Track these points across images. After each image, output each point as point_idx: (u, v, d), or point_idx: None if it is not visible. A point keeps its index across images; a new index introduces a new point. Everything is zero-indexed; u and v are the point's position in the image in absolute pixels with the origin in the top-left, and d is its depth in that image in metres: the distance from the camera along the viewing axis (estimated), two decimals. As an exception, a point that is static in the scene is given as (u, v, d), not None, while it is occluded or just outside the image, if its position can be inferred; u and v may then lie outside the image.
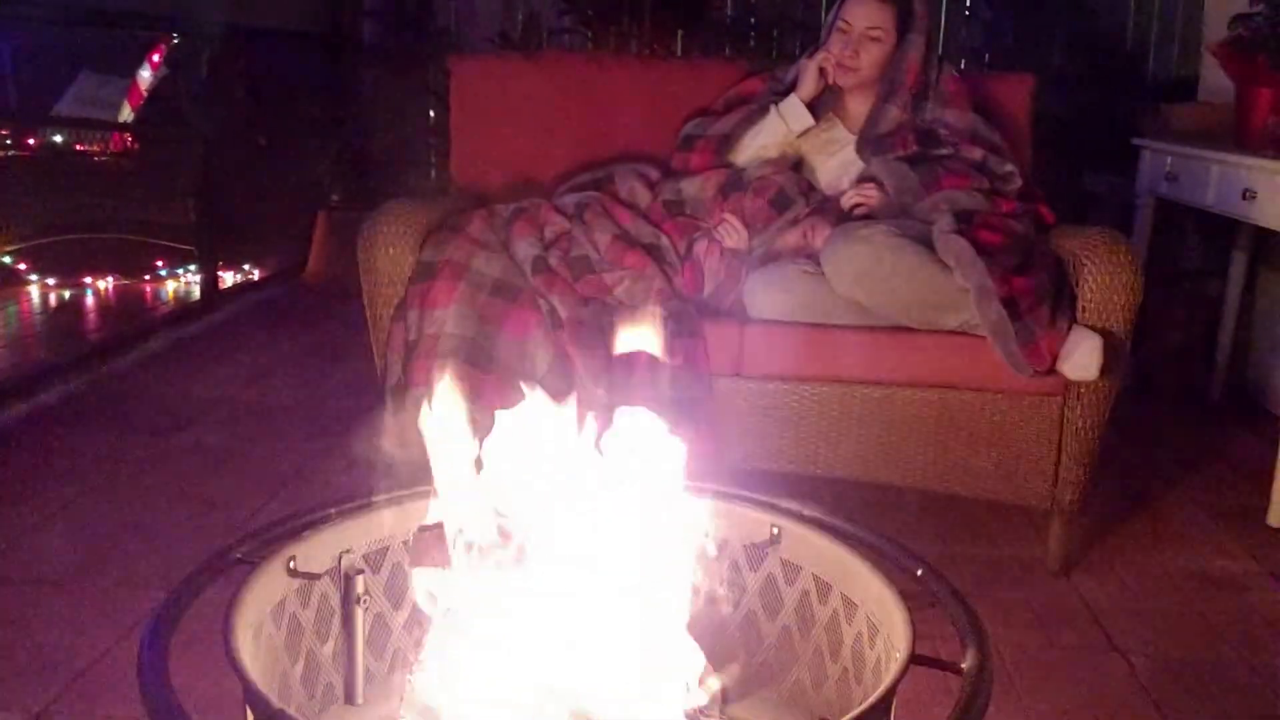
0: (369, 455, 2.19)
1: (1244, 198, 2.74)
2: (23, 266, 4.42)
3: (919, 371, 2.21)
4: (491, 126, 2.77)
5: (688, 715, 1.03)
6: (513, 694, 0.96)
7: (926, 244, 2.16)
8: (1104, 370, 2.10)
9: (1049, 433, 2.21)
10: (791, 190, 2.43)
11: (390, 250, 2.20)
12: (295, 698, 1.12)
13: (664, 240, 2.37)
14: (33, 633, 1.94)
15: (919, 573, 1.11)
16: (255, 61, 4.49)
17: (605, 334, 2.14)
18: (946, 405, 2.21)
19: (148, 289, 4.56)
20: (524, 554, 1.04)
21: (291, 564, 1.09)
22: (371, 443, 2.19)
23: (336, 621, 1.15)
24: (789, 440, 2.25)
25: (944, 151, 2.45)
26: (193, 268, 4.51)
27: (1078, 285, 2.16)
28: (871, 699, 0.91)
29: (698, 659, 1.05)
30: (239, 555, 1.09)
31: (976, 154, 2.43)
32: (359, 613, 1.13)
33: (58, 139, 4.68)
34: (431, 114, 4.86)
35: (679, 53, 4.45)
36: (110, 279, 4.52)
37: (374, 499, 1.21)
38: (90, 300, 4.42)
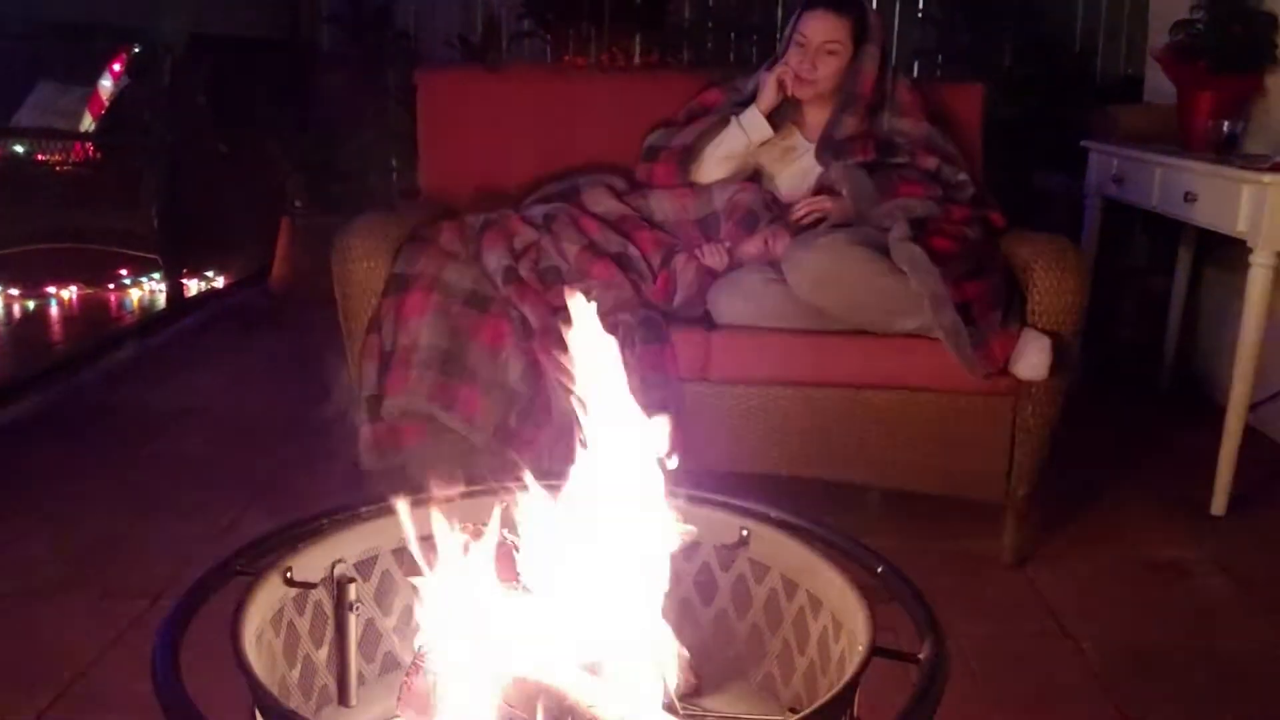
0: (345, 462, 2.24)
1: (1185, 200, 2.80)
2: (-15, 278, 4.40)
3: (878, 374, 2.29)
4: (459, 138, 2.83)
5: (666, 707, 1.10)
6: (504, 690, 1.02)
7: (883, 251, 2.24)
8: (1054, 370, 2.19)
9: (1002, 430, 2.30)
10: (758, 208, 2.51)
11: (366, 264, 2.25)
12: (294, 700, 1.17)
13: (632, 250, 2.43)
14: (18, 645, 1.97)
15: (879, 570, 1.18)
16: (216, 69, 4.48)
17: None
18: (904, 406, 2.29)
19: (112, 298, 4.57)
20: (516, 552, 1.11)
21: (289, 574, 1.15)
22: (346, 450, 2.24)
23: (330, 627, 1.21)
24: (756, 442, 2.32)
25: (900, 160, 2.53)
26: (156, 276, 4.52)
27: (1028, 289, 2.25)
28: (836, 689, 0.98)
29: (680, 653, 1.12)
30: (239, 567, 1.14)
31: (931, 163, 2.52)
32: (351, 618, 1.20)
33: (18, 149, 4.65)
34: (392, 118, 4.88)
35: (637, 56, 4.49)
36: (74, 289, 4.52)
37: (363, 509, 1.27)
38: (55, 310, 4.42)
